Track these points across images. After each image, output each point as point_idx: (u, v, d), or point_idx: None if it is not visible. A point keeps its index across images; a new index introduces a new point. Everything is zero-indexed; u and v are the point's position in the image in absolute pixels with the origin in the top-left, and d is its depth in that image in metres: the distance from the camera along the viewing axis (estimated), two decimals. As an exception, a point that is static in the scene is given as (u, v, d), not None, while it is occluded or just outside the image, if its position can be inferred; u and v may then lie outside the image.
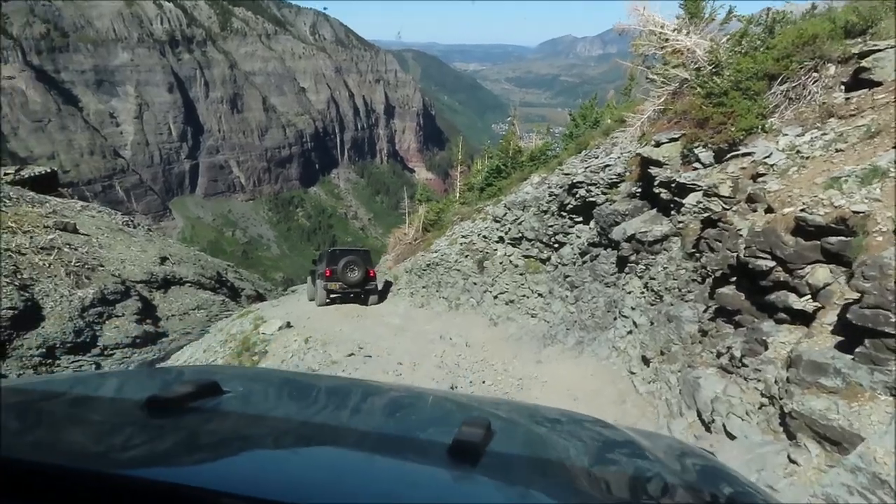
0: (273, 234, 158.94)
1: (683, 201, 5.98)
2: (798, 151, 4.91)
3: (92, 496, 0.82)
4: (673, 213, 6.40)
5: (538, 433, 1.71)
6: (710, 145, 6.07)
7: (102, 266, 22.73)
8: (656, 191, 6.61)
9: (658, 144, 6.66)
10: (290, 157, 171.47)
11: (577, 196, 10.06)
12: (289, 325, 15.05)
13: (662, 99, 7.62)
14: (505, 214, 12.82)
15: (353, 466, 1.18)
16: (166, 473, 1.01)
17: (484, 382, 7.78)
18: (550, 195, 11.31)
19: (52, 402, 1.42)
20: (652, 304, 5.96)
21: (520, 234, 12.09)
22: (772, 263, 3.89)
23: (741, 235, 4.41)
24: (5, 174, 32.36)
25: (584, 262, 9.14)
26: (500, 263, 12.98)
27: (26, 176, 32.98)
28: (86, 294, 19.98)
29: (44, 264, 20.61)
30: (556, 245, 11.15)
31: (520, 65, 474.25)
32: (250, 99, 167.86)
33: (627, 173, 8.40)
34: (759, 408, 3.33)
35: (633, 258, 6.72)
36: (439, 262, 15.59)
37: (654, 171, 6.64)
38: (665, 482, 1.42)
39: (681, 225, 5.90)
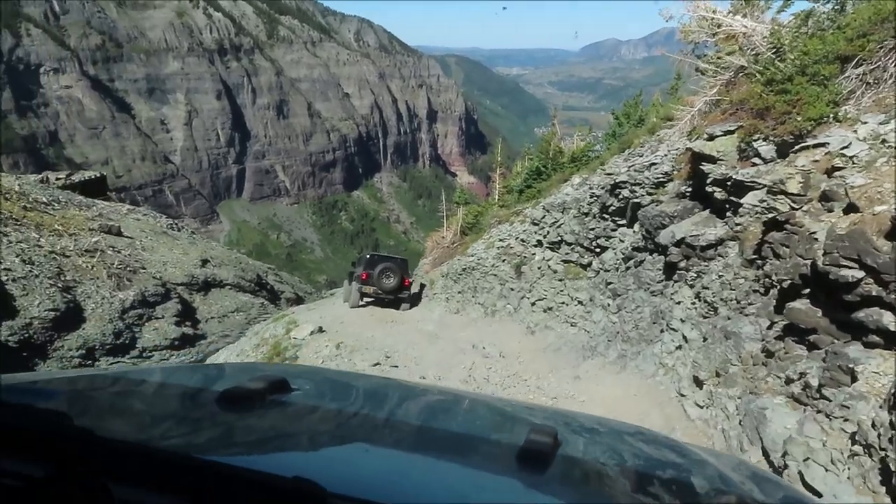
0: (317, 238, 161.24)
1: (741, 201, 5.26)
2: (884, 141, 4.16)
3: (176, 479, 0.83)
4: (728, 214, 5.67)
5: (605, 444, 1.72)
6: (771, 138, 5.33)
7: (144, 268, 23.01)
8: (709, 190, 5.89)
9: (711, 138, 5.94)
10: (333, 162, 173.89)
11: (621, 197, 9.35)
12: (321, 330, 14.76)
13: (715, 89, 6.87)
14: (543, 217, 12.17)
15: (424, 467, 1.22)
16: (247, 461, 1.03)
17: (515, 399, 7.16)
18: (591, 196, 10.61)
19: (132, 389, 1.50)
20: (705, 317, 5.26)
21: (559, 238, 11.41)
22: (860, 274, 3.16)
23: (816, 239, 3.69)
24: (56, 179, 33.53)
25: (627, 269, 8.43)
26: (539, 268, 12.32)
27: (77, 180, 34.08)
28: (126, 296, 20.17)
29: (87, 266, 20.94)
30: (597, 249, 10.45)
31: (562, 68, 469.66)
32: (296, 105, 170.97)
33: (676, 171, 7.67)
34: (851, 457, 2.65)
35: (682, 265, 6.02)
36: (475, 266, 15.02)
37: (706, 167, 5.93)
38: (736, 498, 1.34)
39: (738, 228, 5.18)
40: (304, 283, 43.94)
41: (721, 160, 5.75)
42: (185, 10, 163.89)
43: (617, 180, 9.38)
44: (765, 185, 5.10)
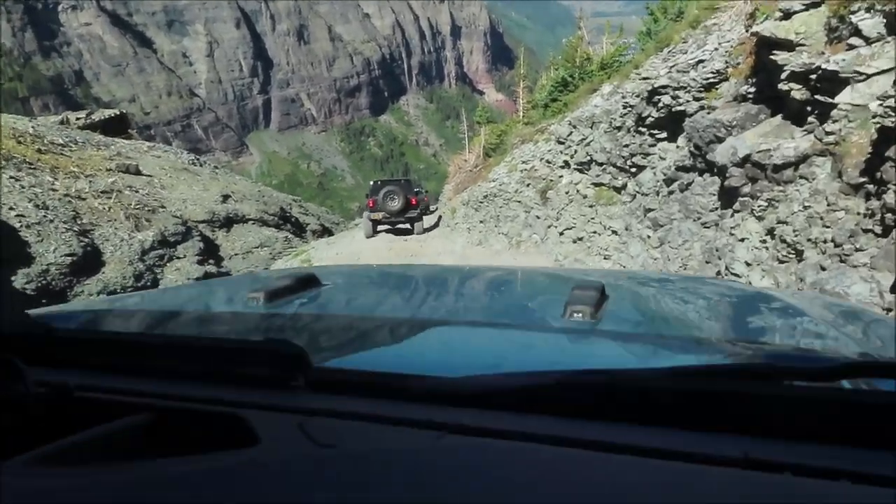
0: (347, 165, 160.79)
1: (835, 100, 3.77)
2: None
3: (201, 364, 0.83)
4: (812, 120, 4.19)
5: (658, 293, 1.63)
6: (879, 6, 3.77)
7: (164, 207, 22.29)
8: (783, 88, 4.37)
9: (787, 15, 4.35)
10: (358, 87, 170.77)
11: (660, 105, 7.75)
12: (335, 268, 13.75)
13: (789, -49, 5.16)
14: (570, 134, 10.59)
15: (465, 338, 1.18)
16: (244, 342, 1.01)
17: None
18: (625, 107, 8.99)
19: (151, 307, 1.51)
20: (782, 262, 3.91)
21: (588, 158, 9.90)
22: None
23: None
24: (77, 119, 32.85)
25: (670, 193, 6.98)
26: (567, 193, 10.88)
27: (96, 120, 33.37)
28: (146, 237, 19.52)
29: (103, 208, 20.30)
30: (632, 169, 8.94)
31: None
32: (316, 29, 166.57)
33: (732, 68, 6.06)
34: None
35: (746, 190, 4.60)
36: (497, 192, 13.64)
37: (779, 57, 4.38)
38: (824, 335, 1.16)
39: (832, 138, 3.72)
40: (332, 213, 43.27)
41: (802, 45, 4.19)
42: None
43: (655, 85, 7.76)
44: (871, 76, 3.60)
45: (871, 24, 3.72)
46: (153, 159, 29.59)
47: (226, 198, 26.71)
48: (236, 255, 24.02)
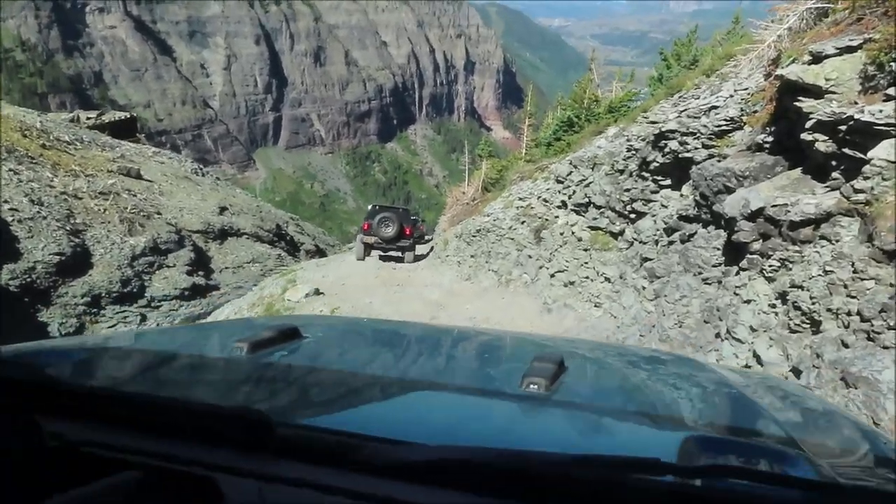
0: (350, 188, 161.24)
1: (867, 155, 3.28)
2: None
3: (118, 413, 0.88)
4: (837, 175, 3.69)
5: (614, 368, 1.68)
6: (923, 55, 3.32)
7: (160, 214, 21.80)
8: (807, 138, 3.88)
9: (816, 59, 3.89)
10: (368, 112, 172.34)
11: (666, 150, 7.30)
12: (317, 293, 13.28)
13: (818, -5, 4.74)
14: (570, 173, 10.14)
15: (420, 402, 1.21)
16: (238, 405, 1.03)
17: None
18: (629, 150, 8.55)
19: (144, 350, 1.55)
20: (794, 332, 3.37)
21: (586, 199, 9.42)
22: None
23: None
24: (87, 118, 32.61)
25: (670, 243, 6.47)
26: (561, 234, 10.38)
27: (107, 121, 33.14)
28: (138, 242, 18.95)
29: (99, 209, 19.77)
30: (632, 215, 8.45)
31: (607, 20, 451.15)
32: (333, 52, 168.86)
33: (748, 116, 5.60)
34: None
35: (757, 247, 4.07)
36: (491, 227, 13.15)
37: (804, 104, 3.90)
38: (752, 416, 1.27)
39: (861, 197, 3.21)
40: (328, 235, 42.80)
41: (832, 92, 3.72)
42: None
43: (663, 129, 7.32)
44: (911, 130, 3.12)
45: (914, 72, 3.26)
46: (156, 165, 29.27)
47: (223, 210, 26.30)
48: (227, 268, 23.47)
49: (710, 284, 5.03)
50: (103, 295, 16.64)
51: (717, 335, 4.53)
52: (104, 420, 0.88)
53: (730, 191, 4.86)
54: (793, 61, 4.19)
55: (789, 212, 3.76)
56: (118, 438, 0.84)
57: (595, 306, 8.89)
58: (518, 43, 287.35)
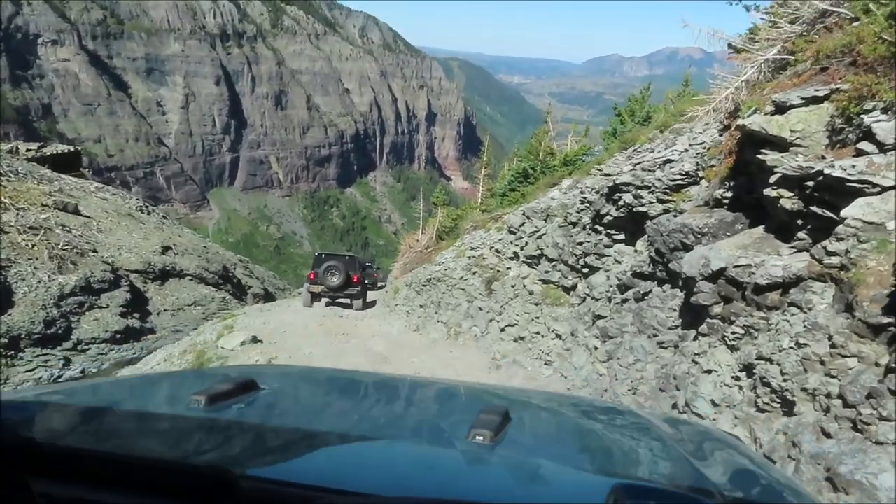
0: (307, 232, 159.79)
1: (841, 214, 2.95)
2: None
3: (91, 472, 0.93)
4: (804, 236, 3.36)
5: (556, 418, 1.75)
6: None
7: (95, 251, 20.49)
8: (771, 194, 3.56)
9: (780, 109, 3.61)
10: (329, 157, 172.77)
11: (620, 203, 7.02)
12: (254, 340, 12.44)
13: (776, 49, 4.56)
14: (523, 224, 9.82)
15: (373, 454, 1.24)
16: (202, 461, 1.09)
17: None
18: (582, 202, 8.28)
19: (98, 402, 1.56)
20: (763, 411, 2.92)
21: (539, 251, 9.07)
22: None
23: None
24: (27, 150, 31.05)
25: (623, 301, 6.09)
26: (512, 287, 9.97)
27: (48, 153, 31.63)
28: (67, 280, 17.64)
29: (27, 245, 18.46)
30: (585, 270, 8.11)
31: (564, 80, 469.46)
32: (295, 97, 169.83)
33: (705, 169, 5.35)
34: None
35: (717, 310, 3.68)
36: (442, 277, 12.68)
37: (768, 157, 3.60)
38: (678, 466, 1.34)
39: (835, 261, 2.85)
40: (280, 279, 41.47)
41: (797, 145, 3.42)
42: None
43: (617, 181, 7.06)
44: (886, 188, 2.81)
45: (887, 127, 2.97)
46: (98, 200, 27.89)
47: (166, 249, 25.06)
48: (166, 310, 22.16)
49: (665, 349, 4.62)
50: (23, 336, 15.33)
51: (675, 406, 4.08)
52: (84, 478, 0.91)
53: (687, 248, 4.51)
54: (754, 111, 3.92)
55: (753, 273, 3.39)
56: (99, 495, 0.88)
57: (545, 364, 8.42)
58: (479, 97, 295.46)
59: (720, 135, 6.00)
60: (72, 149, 35.70)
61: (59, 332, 16.18)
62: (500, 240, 10.97)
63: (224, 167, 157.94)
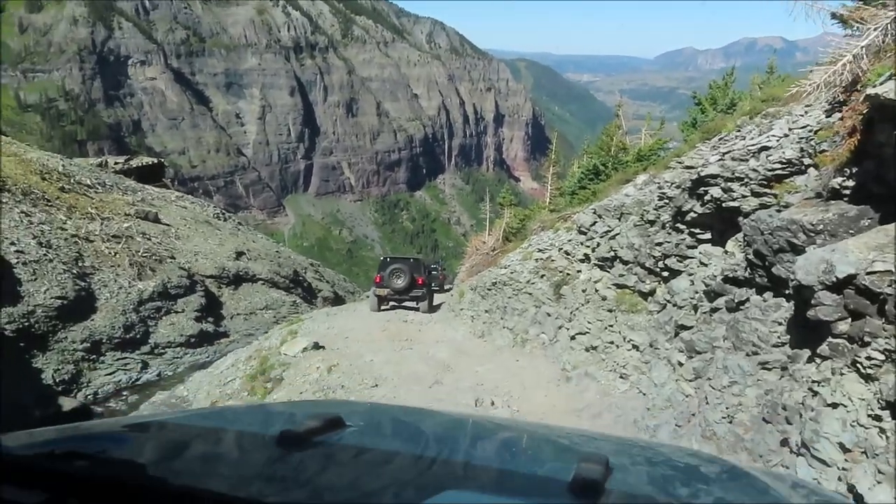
0: (377, 235, 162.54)
1: None
2: None
3: None
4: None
5: (658, 471, 1.66)
6: None
7: (173, 258, 21.22)
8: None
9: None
10: (398, 161, 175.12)
11: (706, 199, 6.19)
12: (316, 347, 12.29)
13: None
14: (594, 224, 9.05)
15: (475, 502, 1.20)
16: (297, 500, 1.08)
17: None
18: (661, 198, 7.46)
19: (190, 436, 1.56)
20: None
21: (612, 253, 8.29)
22: None
23: None
24: (115, 163, 32.92)
25: (713, 311, 5.28)
26: (583, 291, 9.22)
27: (134, 166, 33.43)
28: (146, 286, 18.29)
29: (109, 253, 19.27)
30: (664, 273, 7.29)
31: (635, 76, 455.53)
32: (365, 104, 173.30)
33: (815, 155, 4.50)
34: None
35: (843, 328, 2.92)
36: (508, 281, 12.05)
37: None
38: None
39: None
40: (350, 281, 41.93)
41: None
42: (265, 8, 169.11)
43: (702, 173, 6.23)
44: None
45: None
46: (178, 209, 29.04)
47: (239, 255, 25.73)
48: (239, 314, 22.67)
49: (770, 370, 3.83)
50: (104, 341, 15.92)
51: (785, 443, 3.31)
52: None
53: (796, 249, 3.72)
54: (889, 77, 3.12)
55: (897, 282, 2.63)
56: None
57: (621, 377, 7.64)
58: (547, 97, 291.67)
59: (829, 116, 5.11)
60: (155, 161, 37.57)
61: (138, 336, 16.73)
62: (570, 241, 10.23)
63: (298, 174, 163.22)
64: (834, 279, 2.93)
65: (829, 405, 2.89)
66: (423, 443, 1.77)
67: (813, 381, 3.12)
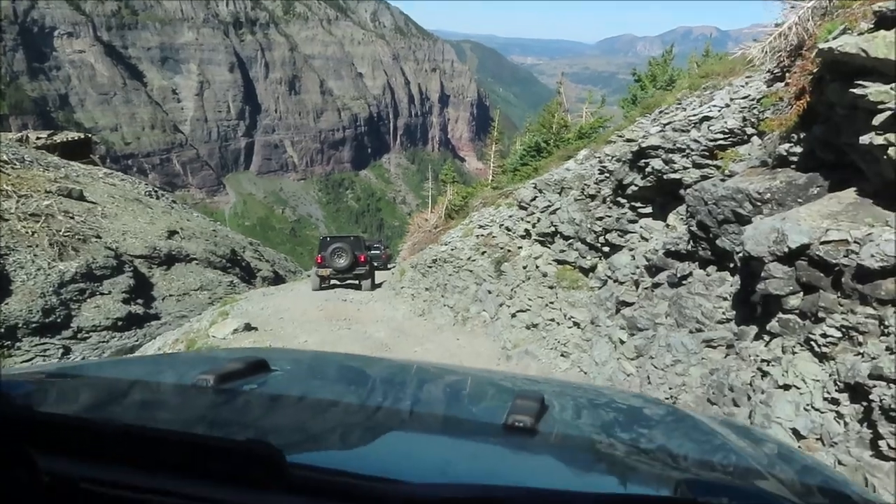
0: (322, 214, 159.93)
1: None
2: None
3: (117, 448, 0.85)
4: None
5: (598, 412, 1.66)
6: None
7: (99, 237, 19.89)
8: (873, 142, 2.53)
9: (887, 22, 2.57)
10: (343, 140, 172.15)
11: (647, 171, 5.97)
12: (248, 328, 11.67)
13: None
14: (534, 199, 8.78)
15: (410, 442, 1.19)
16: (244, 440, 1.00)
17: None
18: (601, 171, 7.23)
19: (112, 383, 1.47)
20: (886, 458, 1.94)
21: (552, 228, 8.04)
22: None
23: None
24: (37, 138, 30.67)
25: (655, 286, 5.06)
26: (524, 268, 8.98)
27: (58, 141, 31.21)
28: (68, 267, 17.00)
29: (27, 232, 17.92)
30: (605, 248, 7.10)
31: (577, 60, 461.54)
32: (308, 81, 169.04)
33: (755, 124, 4.28)
34: None
35: (795, 303, 2.68)
36: (448, 258, 11.73)
37: (869, 90, 2.54)
38: (730, 460, 1.24)
39: None
40: (290, 261, 40.80)
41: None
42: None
43: (643, 145, 6.00)
44: None
45: None
46: (105, 186, 27.30)
47: (172, 234, 24.39)
48: (171, 296, 21.47)
49: (715, 348, 3.61)
50: (20, 325, 14.79)
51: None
52: (98, 455, 0.83)
53: (741, 219, 3.48)
54: (842, 32, 2.87)
55: (854, 253, 2.38)
56: (118, 474, 0.80)
57: (562, 356, 7.44)
58: (492, 79, 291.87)
59: (770, 86, 4.92)
60: (81, 136, 35.26)
61: (59, 320, 15.61)
62: (511, 217, 9.96)
63: (239, 152, 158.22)
64: (786, 249, 2.67)
65: (780, 387, 2.64)
66: (355, 386, 1.73)
67: (762, 361, 2.88)
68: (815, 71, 3.22)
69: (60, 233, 18.64)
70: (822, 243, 2.54)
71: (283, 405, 1.31)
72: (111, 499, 0.76)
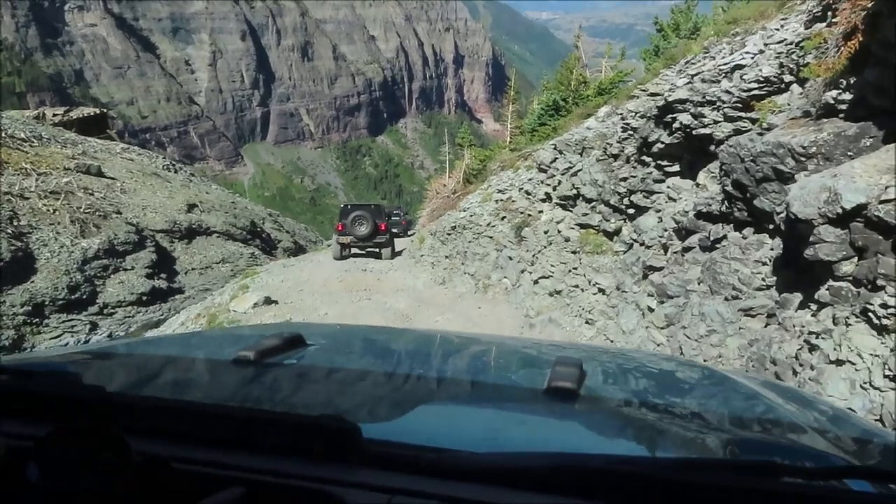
0: (340, 182, 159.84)
1: None
2: None
3: (198, 428, 0.87)
4: None
5: (628, 372, 1.66)
6: None
7: (119, 213, 20.01)
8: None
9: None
10: (358, 106, 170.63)
11: (674, 127, 5.61)
12: (268, 301, 11.65)
13: None
14: (554, 160, 8.43)
15: (458, 412, 1.21)
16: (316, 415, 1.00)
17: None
18: (625, 129, 6.86)
19: (151, 361, 1.50)
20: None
21: (574, 191, 7.73)
22: None
23: None
24: (54, 115, 30.77)
25: (685, 250, 4.79)
26: (545, 233, 8.70)
27: (74, 117, 31.28)
28: (90, 244, 17.19)
29: (48, 210, 18.07)
30: (630, 210, 6.79)
31: (594, 13, 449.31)
32: (320, 47, 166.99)
33: (795, 72, 3.92)
34: None
35: (848, 269, 2.42)
36: (467, 224, 11.48)
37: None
38: (778, 420, 1.23)
39: None
40: (311, 231, 40.90)
41: None
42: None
43: (669, 99, 5.63)
44: None
45: None
46: (124, 161, 27.38)
47: (192, 207, 24.46)
48: (193, 269, 21.65)
49: (754, 317, 3.36)
50: (47, 303, 14.97)
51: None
52: (186, 435, 0.85)
53: (783, 177, 3.18)
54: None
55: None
56: (208, 454, 0.82)
57: (587, 323, 7.22)
58: (506, 36, 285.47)
59: (808, 28, 4.51)
60: (97, 111, 35.24)
61: (84, 296, 15.82)
62: (530, 180, 9.63)
63: (255, 122, 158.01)
64: (839, 210, 2.39)
65: (832, 362, 2.40)
66: (394, 358, 1.73)
67: (809, 332, 2.63)
68: (869, 6, 2.87)
69: (81, 210, 18.75)
70: (881, 202, 2.26)
71: (322, 382, 1.32)
72: (201, 477, 0.75)
